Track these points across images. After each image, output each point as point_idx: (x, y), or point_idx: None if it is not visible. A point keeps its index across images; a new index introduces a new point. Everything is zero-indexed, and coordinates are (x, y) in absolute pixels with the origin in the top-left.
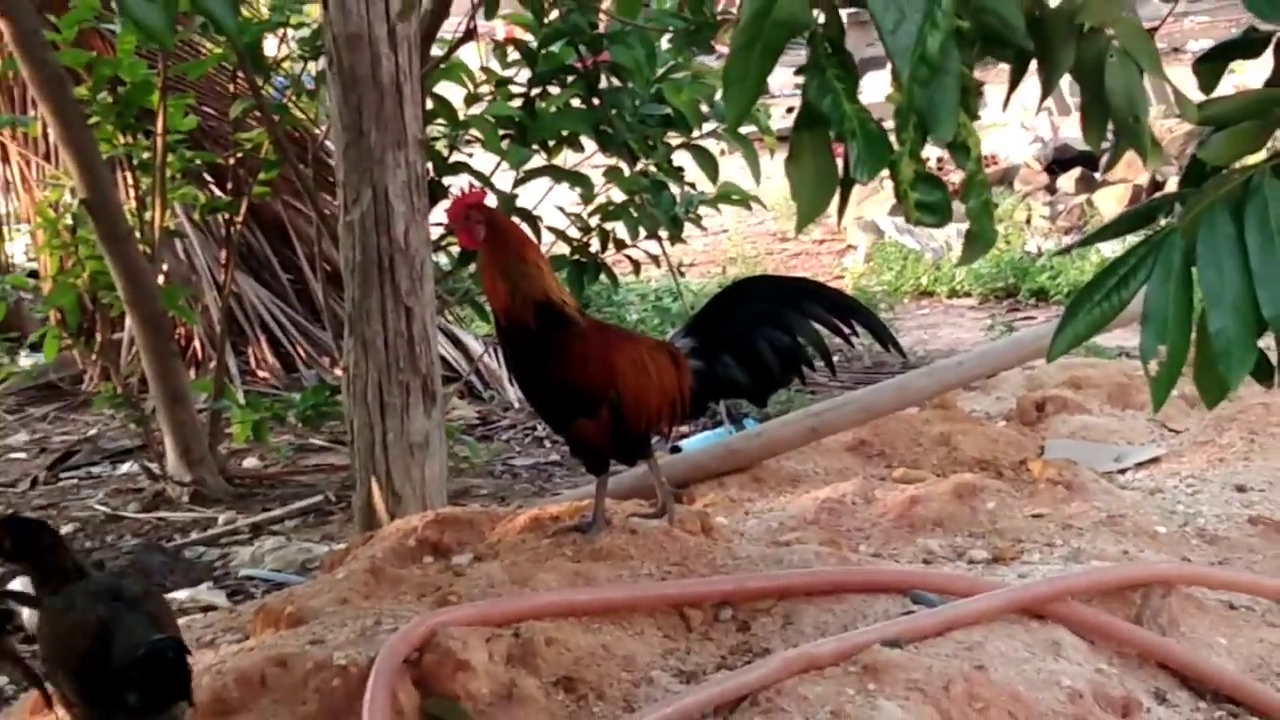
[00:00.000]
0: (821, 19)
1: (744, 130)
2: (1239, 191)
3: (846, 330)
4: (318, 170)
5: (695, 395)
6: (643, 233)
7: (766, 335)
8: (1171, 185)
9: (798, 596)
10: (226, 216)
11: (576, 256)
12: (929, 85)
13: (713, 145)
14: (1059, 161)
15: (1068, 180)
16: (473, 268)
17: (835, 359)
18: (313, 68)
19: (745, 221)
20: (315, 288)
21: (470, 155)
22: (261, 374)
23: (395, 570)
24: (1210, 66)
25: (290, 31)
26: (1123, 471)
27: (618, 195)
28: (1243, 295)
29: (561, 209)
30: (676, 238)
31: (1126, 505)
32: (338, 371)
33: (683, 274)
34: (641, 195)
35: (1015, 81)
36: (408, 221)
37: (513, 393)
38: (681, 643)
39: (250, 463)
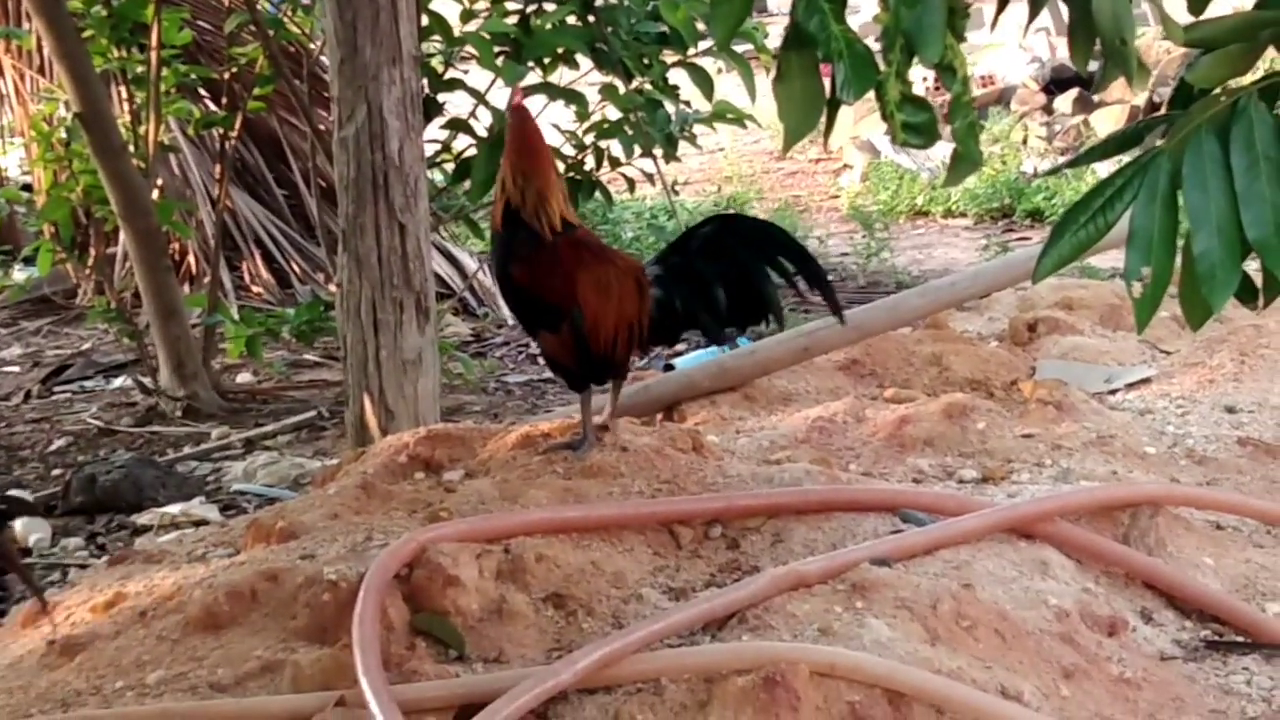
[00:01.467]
0: None
1: (740, 48)
2: (1225, 114)
3: (803, 289)
4: (313, 86)
5: (654, 323)
6: (638, 151)
7: (726, 279)
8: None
9: (787, 514)
10: (221, 132)
11: (571, 174)
12: (915, 6)
13: (709, 64)
14: (1056, 82)
15: (1065, 101)
16: (467, 184)
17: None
18: None
19: (741, 140)
20: (310, 204)
21: (466, 72)
22: (256, 289)
23: (387, 486)
24: None
25: None
26: (1113, 392)
27: (613, 113)
28: (1227, 217)
29: (557, 126)
30: (671, 156)
31: (1116, 426)
32: (332, 287)
33: (677, 193)
34: (637, 113)
35: (1003, 2)
36: (402, 138)
37: (506, 309)
38: (671, 560)
39: (244, 378)
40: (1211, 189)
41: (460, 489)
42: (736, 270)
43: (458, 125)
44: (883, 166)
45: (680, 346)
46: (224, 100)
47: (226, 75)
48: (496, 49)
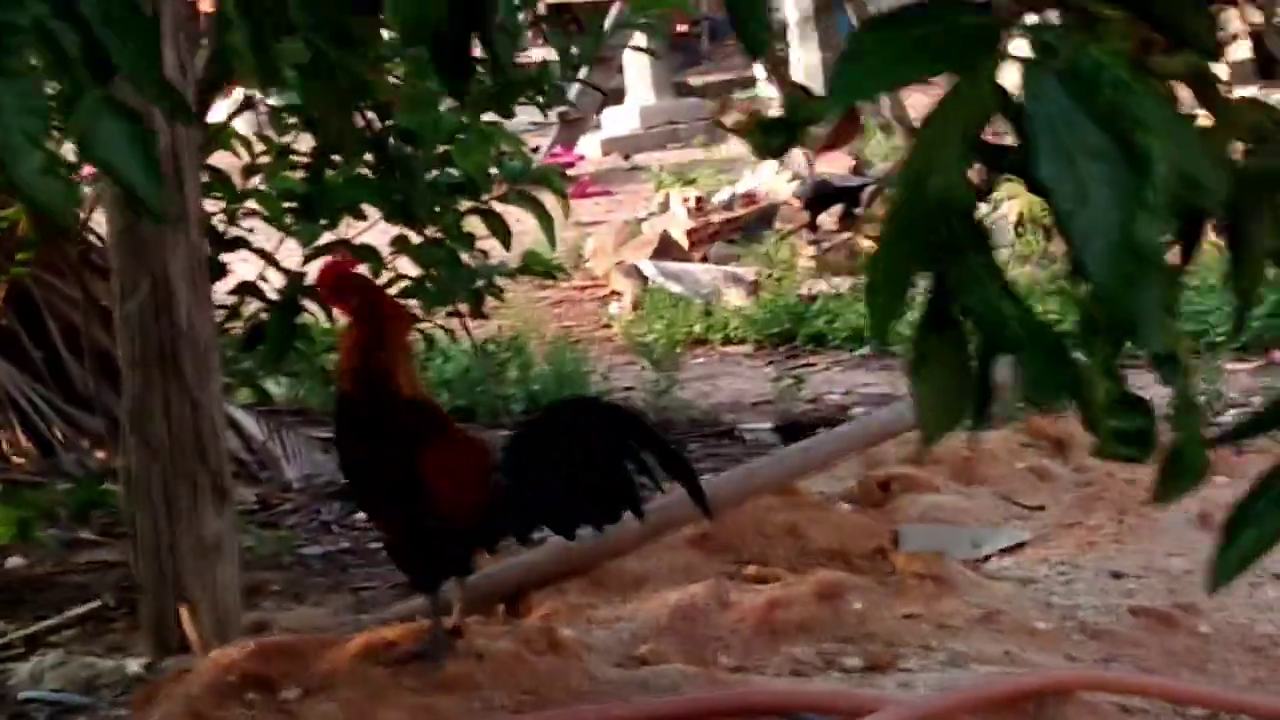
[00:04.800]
0: None
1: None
2: None
3: (659, 479)
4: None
5: (500, 513)
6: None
7: (580, 470)
8: None
9: None
10: None
11: None
12: (1131, 286)
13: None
14: (819, 198)
15: (830, 218)
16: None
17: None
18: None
19: None
20: (71, 366)
21: (251, 230)
22: (16, 460)
23: (218, 713)
24: None
25: None
26: (986, 558)
27: (404, 265)
28: None
29: None
30: (478, 312)
31: (1000, 599)
32: (99, 454)
33: (489, 353)
34: (438, 268)
35: None
36: (191, 306)
37: (290, 472)
38: None
39: (14, 561)
40: None
41: (301, 712)
42: (593, 462)
43: (247, 289)
44: (655, 293)
45: None
46: None
47: None
48: (285, 205)
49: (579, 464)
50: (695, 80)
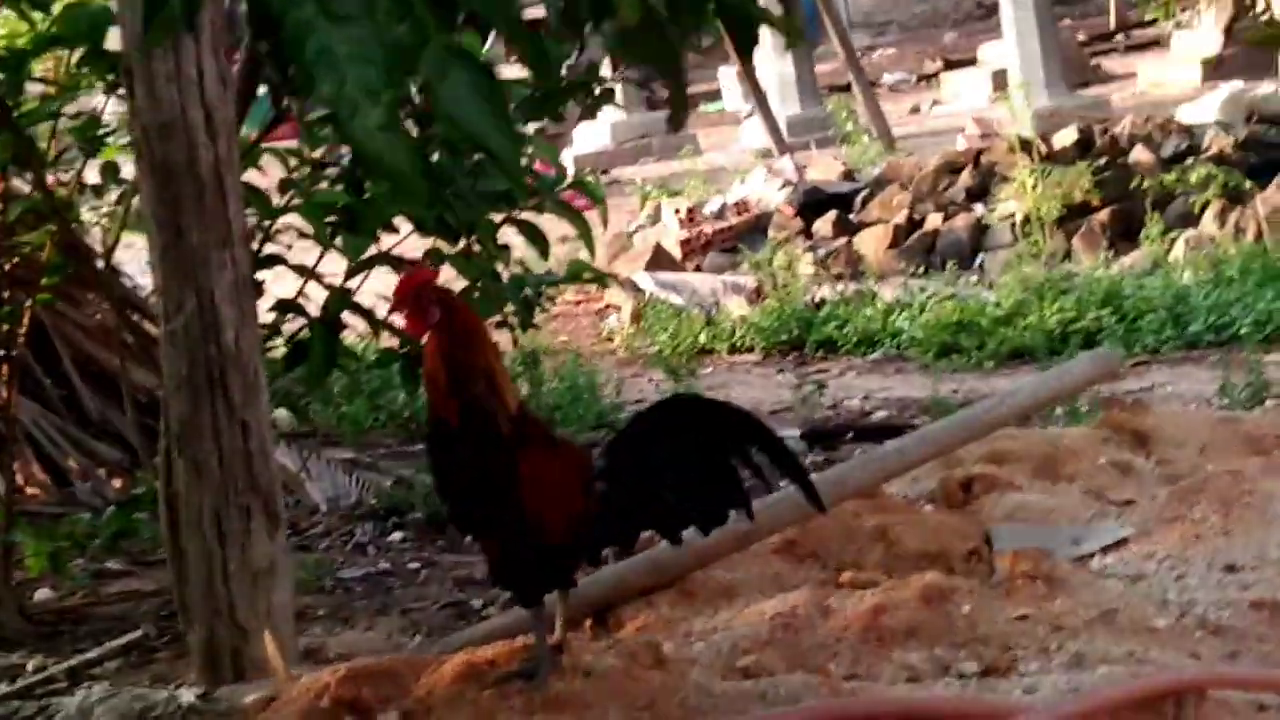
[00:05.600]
0: None
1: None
2: None
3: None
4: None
5: (601, 523)
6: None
7: (682, 472)
8: (930, 223)
9: None
10: (5, 328)
11: (406, 349)
12: None
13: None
14: (810, 204)
15: (824, 224)
16: (298, 371)
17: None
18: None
19: None
20: (84, 395)
21: (289, 247)
22: (31, 491)
23: None
24: None
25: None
26: (1089, 556)
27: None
28: None
29: (386, 298)
30: (528, 323)
31: (1114, 598)
32: (115, 484)
33: (538, 364)
34: (487, 279)
35: None
36: (237, 327)
37: (315, 495)
38: None
39: (43, 594)
40: None
41: None
42: (695, 462)
43: (288, 306)
44: (654, 305)
45: None
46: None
47: (7, 266)
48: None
49: (682, 465)
50: (666, 93)
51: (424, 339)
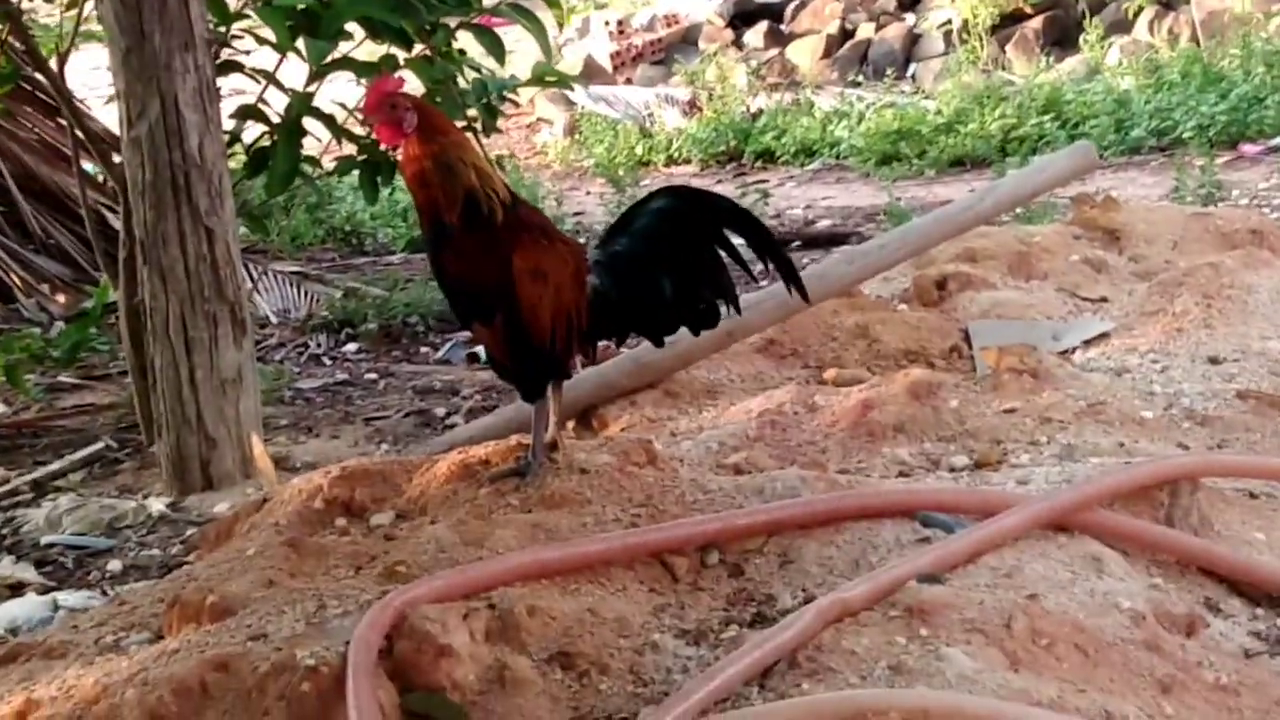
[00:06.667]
0: None
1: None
2: None
3: (757, 268)
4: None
5: (594, 315)
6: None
7: (673, 265)
8: (863, 33)
9: (790, 530)
10: None
11: (365, 156)
12: None
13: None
14: (741, 15)
15: (755, 35)
16: (261, 179)
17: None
18: None
19: None
20: (26, 211)
21: (248, 53)
22: None
23: (316, 540)
24: None
25: None
26: (1071, 351)
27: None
28: None
29: (343, 105)
30: (492, 128)
31: (1101, 390)
32: (60, 299)
33: (503, 168)
34: (449, 83)
35: None
36: (201, 133)
37: (265, 307)
38: (670, 596)
39: None
40: None
41: (408, 536)
42: (689, 252)
43: (250, 113)
44: (588, 119)
45: None
46: None
47: None
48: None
49: (675, 256)
50: None
51: (398, 146)
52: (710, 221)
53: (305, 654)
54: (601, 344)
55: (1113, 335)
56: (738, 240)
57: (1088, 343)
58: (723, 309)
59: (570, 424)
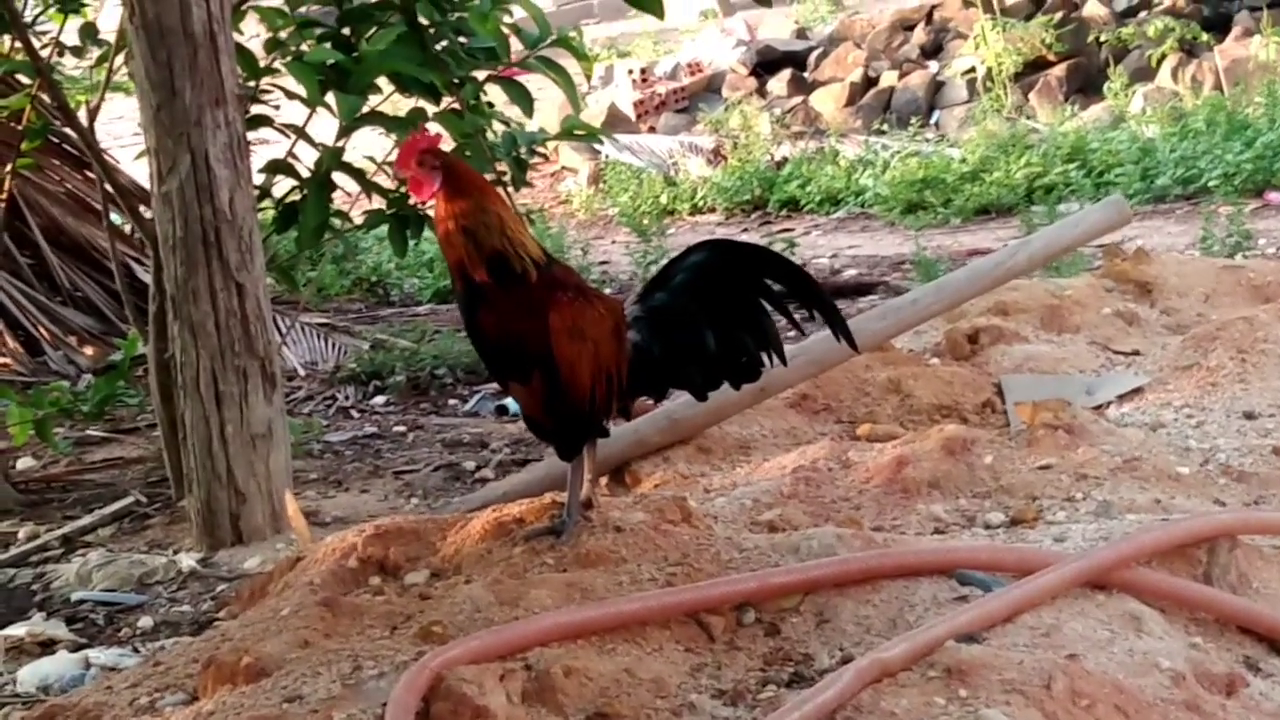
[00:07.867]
0: None
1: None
2: None
3: (800, 318)
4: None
5: (634, 372)
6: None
7: (715, 319)
8: (886, 81)
9: (826, 589)
10: None
11: (394, 210)
12: None
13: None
14: (764, 64)
15: (779, 83)
16: (292, 233)
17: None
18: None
19: None
20: (54, 264)
21: (278, 108)
22: (4, 360)
23: (351, 600)
24: None
25: None
26: (1105, 405)
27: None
28: None
29: (372, 159)
30: (521, 181)
31: (1136, 446)
32: (88, 351)
33: (533, 221)
34: (479, 136)
35: None
36: (232, 188)
37: (294, 359)
38: (707, 656)
39: (25, 463)
40: None
41: (443, 596)
42: (730, 306)
43: (279, 168)
44: (612, 167)
45: None
46: None
47: None
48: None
49: (717, 310)
50: None
51: (428, 201)
52: (753, 272)
53: (341, 716)
54: (640, 400)
55: (1147, 389)
56: (779, 288)
57: (1121, 397)
58: (767, 360)
59: (603, 480)
